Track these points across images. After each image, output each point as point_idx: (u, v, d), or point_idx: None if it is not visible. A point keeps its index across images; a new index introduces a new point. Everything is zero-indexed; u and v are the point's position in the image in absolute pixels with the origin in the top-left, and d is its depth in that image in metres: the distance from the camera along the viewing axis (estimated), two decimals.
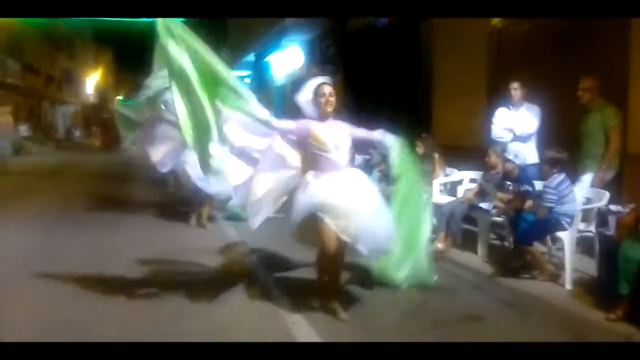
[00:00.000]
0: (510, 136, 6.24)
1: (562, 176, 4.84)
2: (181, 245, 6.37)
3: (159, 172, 7.69)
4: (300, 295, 4.46)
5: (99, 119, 37.03)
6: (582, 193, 5.17)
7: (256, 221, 4.18)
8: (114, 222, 7.94)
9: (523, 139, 6.17)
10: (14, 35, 26.11)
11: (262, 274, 5.27)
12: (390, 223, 4.15)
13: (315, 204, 3.96)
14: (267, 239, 5.76)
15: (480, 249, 5.67)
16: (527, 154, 6.09)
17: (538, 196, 5.04)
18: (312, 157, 4.13)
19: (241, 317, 4.20)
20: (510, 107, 6.32)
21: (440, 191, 6.77)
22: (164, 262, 5.67)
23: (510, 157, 5.73)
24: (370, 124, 4.60)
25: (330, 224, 3.91)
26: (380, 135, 4.40)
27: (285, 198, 4.25)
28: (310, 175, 4.11)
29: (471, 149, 7.35)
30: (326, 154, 4.06)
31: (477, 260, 5.58)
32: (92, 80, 49.58)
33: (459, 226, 5.80)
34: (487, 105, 7.64)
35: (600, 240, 4.67)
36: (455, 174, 6.98)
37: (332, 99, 4.12)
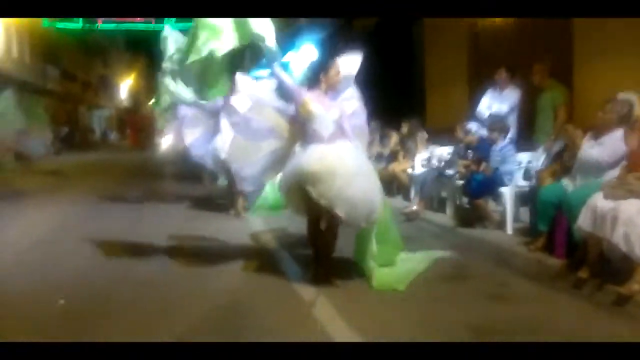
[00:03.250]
0: (487, 114, 7.18)
1: (506, 141, 5.89)
2: (218, 234, 6.42)
3: (190, 161, 8.31)
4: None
5: (132, 122, 38.92)
6: (525, 156, 6.16)
7: (245, 186, 5.07)
8: (151, 210, 8.52)
9: (500, 116, 7.09)
10: (53, 44, 27.85)
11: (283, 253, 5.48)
12: (373, 192, 4.26)
13: (297, 173, 4.22)
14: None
15: (449, 209, 6.70)
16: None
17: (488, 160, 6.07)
18: (299, 128, 4.52)
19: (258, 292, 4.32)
20: (495, 90, 7.08)
21: (422, 165, 7.82)
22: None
23: (474, 131, 6.77)
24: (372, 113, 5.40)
25: (310, 190, 4.09)
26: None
27: (276, 168, 4.73)
28: (297, 147, 4.56)
29: (454, 128, 8.42)
30: (310, 124, 4.32)
31: (445, 217, 6.64)
32: (126, 85, 51.78)
33: (431, 191, 6.87)
34: (469, 93, 8.91)
35: (530, 191, 5.68)
36: (436, 150, 8.00)
37: (337, 78, 4.47)
